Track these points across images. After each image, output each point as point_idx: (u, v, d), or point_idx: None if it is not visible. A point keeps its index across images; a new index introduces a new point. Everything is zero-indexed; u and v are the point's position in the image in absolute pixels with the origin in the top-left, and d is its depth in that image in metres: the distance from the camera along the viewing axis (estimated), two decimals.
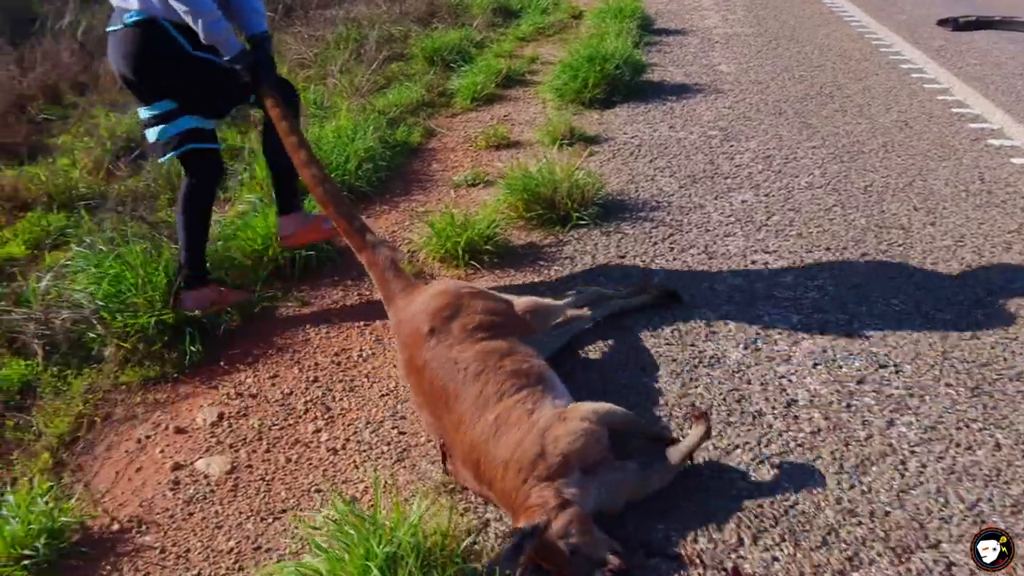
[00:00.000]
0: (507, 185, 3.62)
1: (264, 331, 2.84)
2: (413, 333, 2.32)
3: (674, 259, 3.24)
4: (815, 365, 2.54)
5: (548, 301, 2.62)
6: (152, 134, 2.58)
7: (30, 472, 2.12)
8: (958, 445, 2.17)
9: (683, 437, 2.09)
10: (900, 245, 3.30)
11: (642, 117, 5.10)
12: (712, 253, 3.27)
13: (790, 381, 2.47)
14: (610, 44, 5.60)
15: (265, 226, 3.17)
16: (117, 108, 4.89)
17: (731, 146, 4.52)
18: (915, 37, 7.10)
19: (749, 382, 2.47)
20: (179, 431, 2.33)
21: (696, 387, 2.45)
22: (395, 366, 2.58)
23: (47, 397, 2.41)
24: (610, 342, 2.69)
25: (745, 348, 2.64)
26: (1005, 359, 2.53)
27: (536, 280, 3.13)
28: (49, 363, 2.51)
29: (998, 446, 2.16)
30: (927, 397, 2.37)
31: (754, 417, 2.31)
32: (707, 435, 2.07)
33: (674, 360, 2.58)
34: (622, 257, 3.27)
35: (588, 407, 2.04)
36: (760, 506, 1.97)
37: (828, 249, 3.28)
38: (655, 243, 3.38)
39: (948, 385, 2.42)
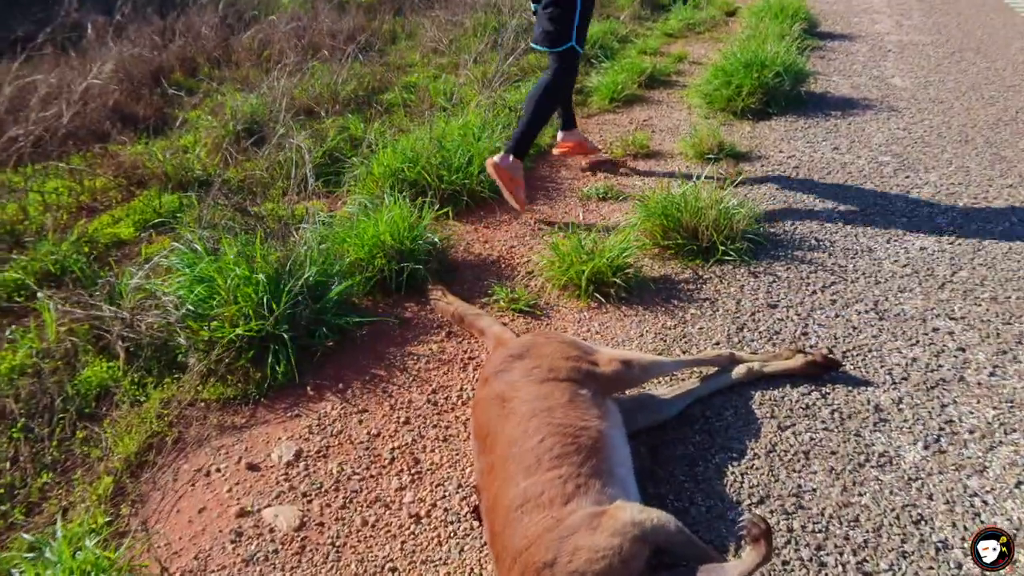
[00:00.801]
0: (644, 208, 3.18)
1: (359, 354, 2.57)
2: (481, 374, 2.09)
3: (835, 315, 2.73)
4: (1019, 484, 2.00)
5: (648, 357, 2.21)
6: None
7: (89, 499, 1.91)
8: None
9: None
10: None
11: (801, 133, 4.53)
12: (883, 312, 2.74)
13: (985, 503, 1.95)
14: (770, 48, 5.02)
15: (375, 232, 2.89)
16: (247, 87, 4.77)
17: (907, 177, 3.90)
18: None
19: (931, 497, 1.97)
20: (251, 467, 2.08)
21: (861, 495, 1.98)
22: None
23: (123, 407, 2.21)
24: (745, 416, 2.24)
25: (925, 447, 2.13)
26: None
27: (668, 323, 2.71)
28: (131, 368, 2.31)
29: None
30: None
31: (938, 549, 1.82)
32: (765, 560, 1.60)
33: (833, 454, 2.11)
34: (773, 306, 2.79)
35: (630, 515, 1.63)
36: None
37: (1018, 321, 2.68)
38: (813, 292, 2.87)
39: None
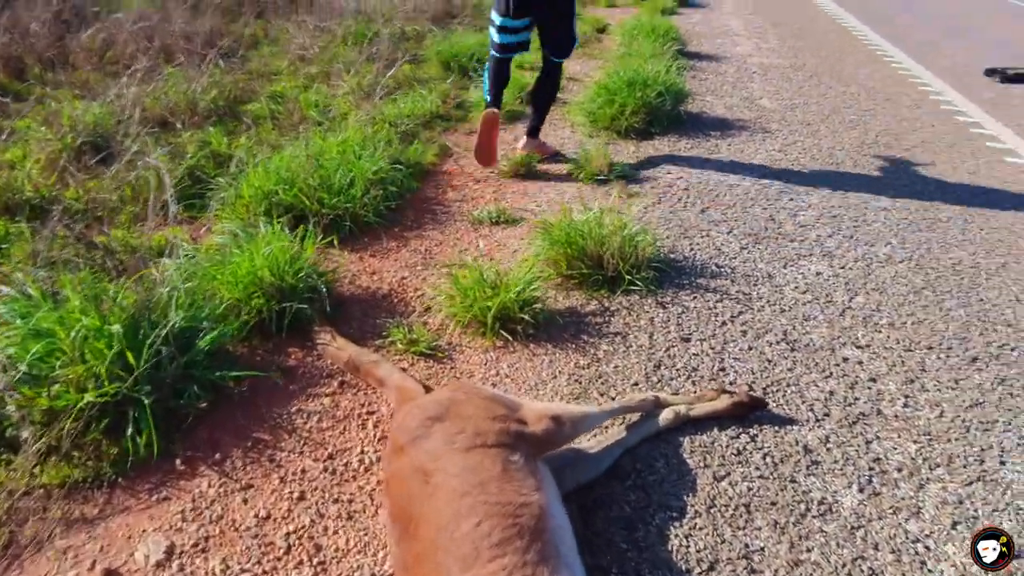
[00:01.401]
0: (547, 236, 2.99)
1: (238, 414, 2.21)
2: (392, 441, 1.84)
3: (748, 348, 2.64)
4: (954, 525, 1.95)
5: (576, 409, 2.03)
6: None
7: None
8: None
9: None
10: (1012, 349, 2.73)
11: (685, 154, 4.52)
12: (794, 343, 2.68)
13: (927, 548, 1.89)
14: (651, 68, 5.00)
15: (251, 267, 2.52)
16: (88, 94, 4.20)
17: (791, 200, 3.94)
18: (963, 85, 6.62)
19: (876, 547, 1.88)
20: (109, 574, 1.68)
21: (809, 550, 1.86)
22: None
23: None
24: (678, 467, 2.09)
25: (860, 490, 2.05)
26: None
27: (580, 362, 2.53)
28: None
29: None
30: None
31: None
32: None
33: (773, 504, 1.99)
34: (686, 340, 2.67)
35: None
36: None
37: (930, 348, 2.71)
38: (723, 323, 2.78)
39: None
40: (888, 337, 2.78)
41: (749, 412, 2.28)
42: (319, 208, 3.22)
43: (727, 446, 2.18)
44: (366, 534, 1.86)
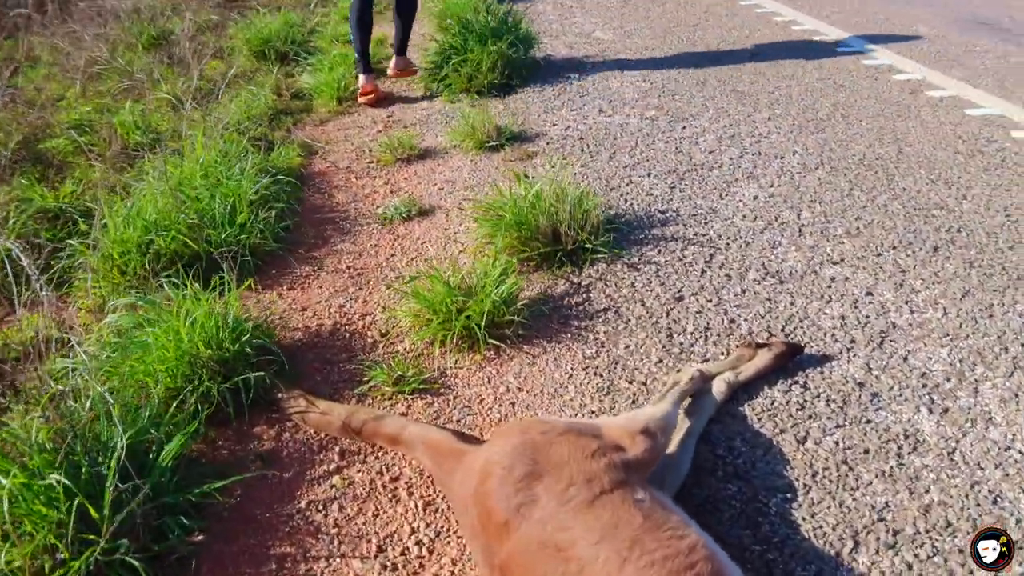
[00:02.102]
0: (494, 222, 2.67)
1: (241, 533, 1.77)
2: (483, 516, 1.49)
3: (742, 291, 2.51)
4: None
5: (651, 412, 1.79)
6: None
7: None
8: None
9: None
10: (959, 230, 2.81)
11: (558, 103, 4.30)
12: (778, 274, 2.58)
13: (1021, 452, 1.84)
14: (481, 14, 4.68)
15: (180, 346, 2.01)
16: None
17: (683, 128, 3.86)
18: None
19: (980, 466, 1.81)
20: None
21: (927, 491, 1.75)
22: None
23: None
24: (756, 440, 1.92)
25: (930, 412, 1.98)
26: None
27: (587, 352, 2.28)
28: None
29: None
30: None
31: None
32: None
33: (867, 453, 1.86)
34: (679, 299, 2.48)
35: None
36: None
37: (895, 248, 2.72)
38: (703, 271, 2.62)
39: None
40: (854, 247, 2.75)
41: (789, 360, 2.14)
42: (206, 248, 2.67)
43: (788, 403, 2.03)
44: None
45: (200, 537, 1.67)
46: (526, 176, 2.96)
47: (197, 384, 1.99)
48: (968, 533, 1.64)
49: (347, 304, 2.60)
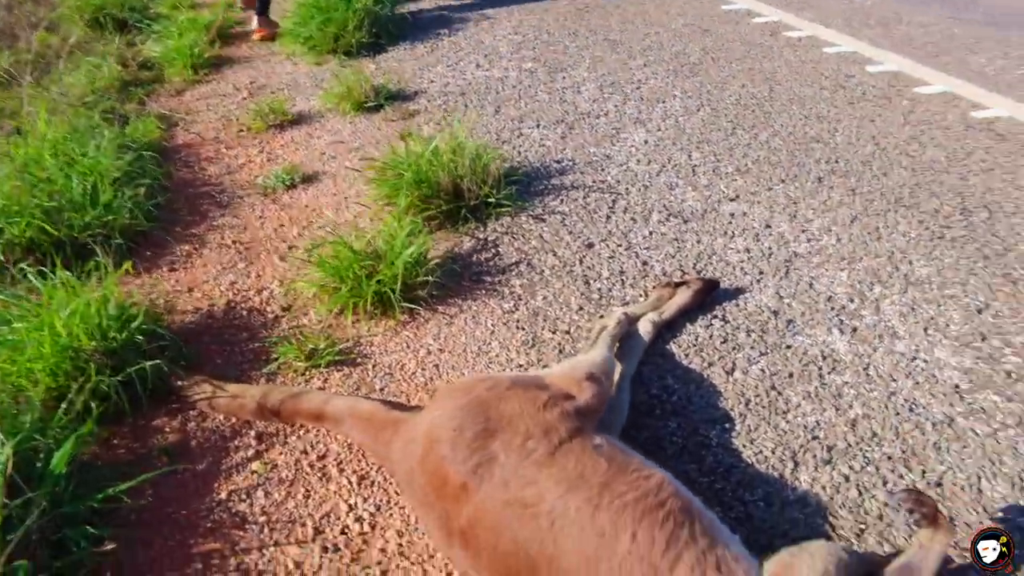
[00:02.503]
0: (392, 183, 2.54)
1: (156, 537, 1.60)
2: (437, 483, 1.41)
3: (649, 233, 2.52)
4: (926, 331, 2.04)
5: (591, 358, 1.76)
6: None
7: None
8: None
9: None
10: (837, 160, 2.95)
11: (432, 59, 4.16)
12: (680, 214, 2.61)
13: (925, 361, 1.97)
14: None
15: (58, 339, 1.79)
16: None
17: (564, 78, 3.83)
18: None
19: (892, 377, 1.91)
20: None
21: (851, 406, 1.82)
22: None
23: None
24: (688, 376, 1.94)
25: (842, 332, 2.07)
26: None
27: (506, 307, 2.23)
28: None
29: None
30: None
31: (939, 422, 1.75)
32: (951, 536, 1.36)
33: (791, 376, 1.91)
34: (590, 246, 2.46)
35: (807, 569, 1.23)
36: None
37: (783, 181, 2.82)
38: (608, 217, 2.61)
39: None
40: (746, 183, 2.82)
41: (708, 296, 2.16)
42: (69, 232, 2.40)
43: (711, 337, 2.06)
44: None
45: (110, 546, 1.49)
46: (409, 135, 2.83)
47: (84, 380, 1.77)
48: (892, 442, 1.72)
49: (239, 280, 2.40)
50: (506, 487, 1.33)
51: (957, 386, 1.87)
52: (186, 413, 1.88)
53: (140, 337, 1.91)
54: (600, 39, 4.37)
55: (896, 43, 4.22)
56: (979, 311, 2.12)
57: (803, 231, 2.50)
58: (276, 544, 1.56)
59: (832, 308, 2.14)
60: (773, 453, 1.70)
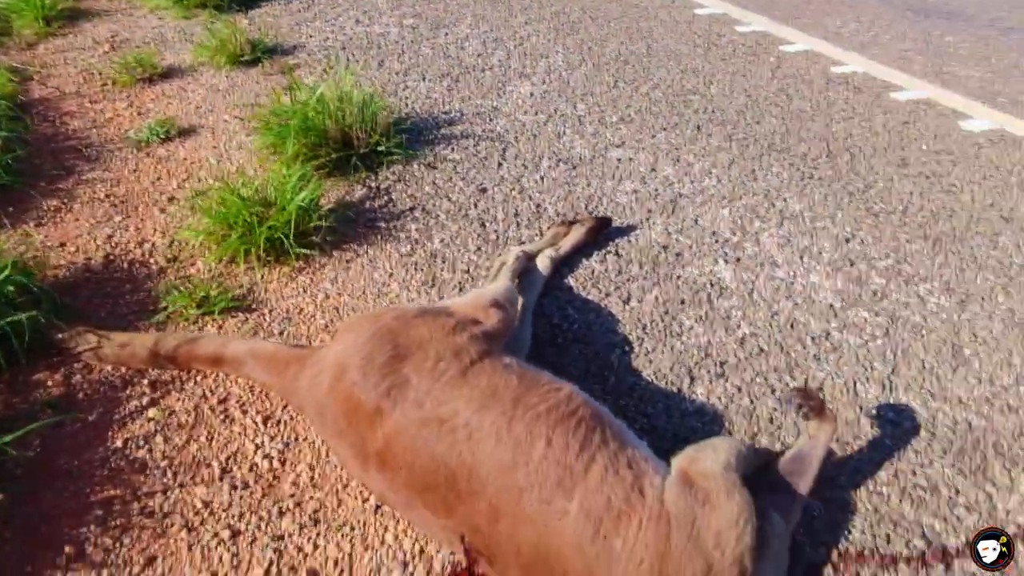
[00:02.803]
0: (276, 130, 2.46)
1: (48, 491, 1.50)
2: (349, 410, 1.41)
3: (540, 178, 2.57)
4: (801, 257, 2.20)
5: (495, 288, 1.80)
6: None
7: None
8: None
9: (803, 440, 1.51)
10: (714, 111, 3.10)
11: (309, 15, 4.04)
12: (569, 160, 2.68)
13: (803, 285, 2.11)
14: None
15: None
16: None
17: (446, 34, 3.82)
18: None
19: (775, 299, 2.04)
20: None
21: (739, 326, 1.94)
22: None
23: None
24: (586, 307, 2.01)
25: (726, 262, 2.19)
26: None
27: (404, 250, 2.22)
28: None
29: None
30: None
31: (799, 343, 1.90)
32: (836, 428, 1.51)
33: (683, 303, 2.01)
34: (483, 191, 2.49)
35: (711, 465, 1.31)
36: None
37: (665, 129, 2.94)
38: (500, 163, 2.64)
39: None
40: (630, 131, 2.92)
41: (601, 233, 2.23)
42: None
43: (607, 271, 2.13)
44: (356, 529, 1.43)
45: None
46: (294, 87, 2.74)
47: None
48: (777, 355, 1.84)
49: (116, 234, 2.27)
50: (420, 407, 1.34)
51: (831, 305, 2.02)
52: (70, 366, 1.77)
53: (10, 288, 1.77)
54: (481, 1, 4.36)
55: (761, 6, 4.45)
56: (847, 240, 2.29)
57: (686, 174, 2.61)
58: (181, 486, 1.51)
59: (717, 241, 2.26)
60: (671, 371, 1.79)
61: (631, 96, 3.18)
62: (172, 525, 1.43)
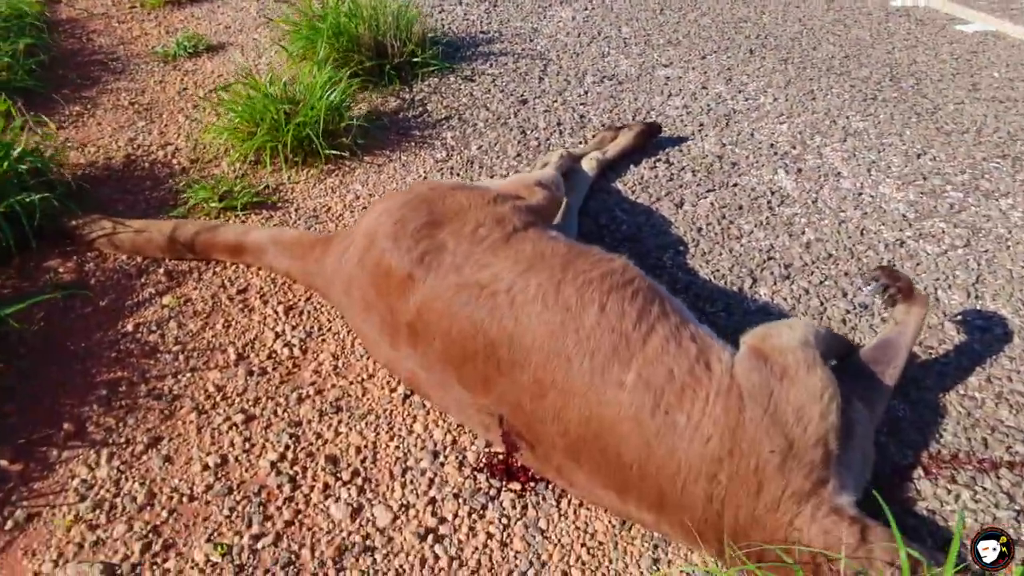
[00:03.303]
0: (305, 35, 2.33)
1: (53, 365, 1.39)
2: (378, 280, 1.27)
3: (584, 92, 2.41)
4: (868, 170, 2.02)
5: (543, 172, 1.65)
6: None
7: None
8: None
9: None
10: (767, 37, 2.90)
11: None
12: (614, 77, 2.51)
13: (871, 196, 1.94)
14: None
15: None
16: None
17: None
18: None
19: (841, 208, 1.86)
20: None
21: (803, 232, 1.77)
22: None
23: None
24: (635, 209, 1.85)
25: (787, 172, 2.02)
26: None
27: (439, 156, 2.08)
28: None
29: None
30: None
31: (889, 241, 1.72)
32: (926, 308, 1.32)
33: (741, 208, 1.85)
34: (524, 102, 2.33)
35: (788, 336, 1.14)
36: None
37: (715, 52, 2.77)
38: (540, 79, 2.49)
39: None
40: (679, 53, 2.74)
41: (649, 140, 2.07)
42: None
43: (657, 177, 1.97)
44: (382, 418, 1.30)
45: None
46: None
47: None
48: (847, 260, 1.67)
49: (139, 137, 2.16)
50: (458, 271, 1.20)
51: (904, 215, 1.84)
52: (83, 255, 1.66)
53: (23, 168, 1.66)
54: None
55: None
56: (918, 156, 2.11)
57: (740, 92, 2.44)
58: (193, 370, 1.38)
59: (775, 154, 2.09)
60: (731, 271, 1.63)
61: (678, 22, 3.00)
62: (181, 408, 1.31)
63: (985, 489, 1.17)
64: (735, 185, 1.93)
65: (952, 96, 2.48)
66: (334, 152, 1.99)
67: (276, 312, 1.52)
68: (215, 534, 1.11)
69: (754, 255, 1.68)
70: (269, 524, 1.13)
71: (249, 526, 1.12)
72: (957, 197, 1.93)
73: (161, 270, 1.63)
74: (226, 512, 1.14)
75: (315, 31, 2.31)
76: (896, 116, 2.32)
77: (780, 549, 0.95)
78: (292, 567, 1.07)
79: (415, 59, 2.40)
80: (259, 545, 1.10)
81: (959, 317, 1.52)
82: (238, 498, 1.16)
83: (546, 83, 2.44)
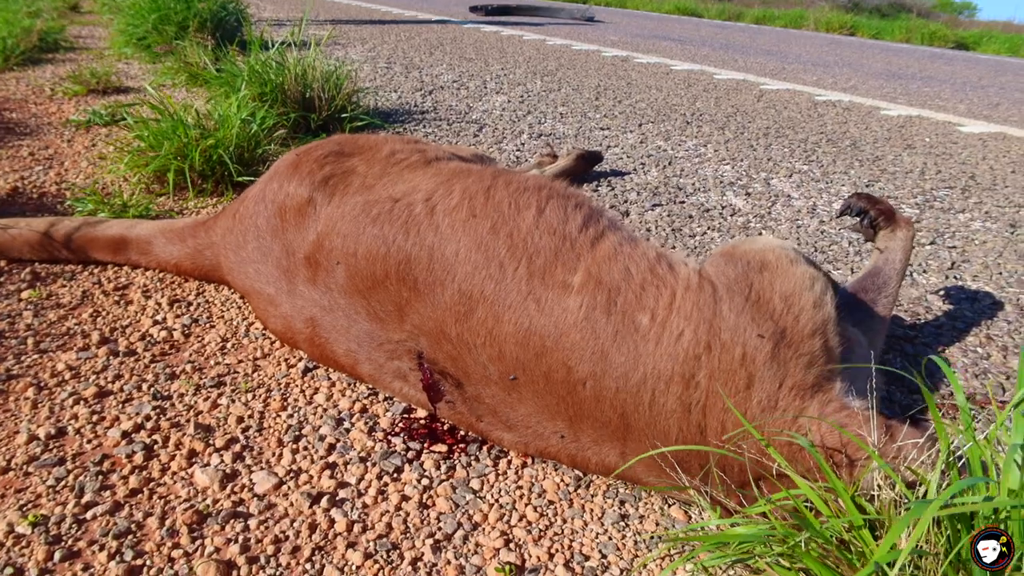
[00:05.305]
0: (221, 77, 2.22)
1: None
2: (272, 216, 1.08)
3: (522, 144, 2.33)
4: (819, 206, 1.93)
5: (473, 150, 1.49)
6: None
7: None
8: None
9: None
10: (701, 115, 2.93)
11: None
12: (552, 134, 2.45)
13: (826, 211, 1.81)
14: None
15: None
16: None
17: (421, 71, 3.70)
18: (458, 15, 7.17)
19: (798, 219, 1.74)
20: None
21: (764, 233, 1.63)
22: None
23: None
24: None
25: (735, 194, 1.90)
26: None
27: None
28: None
29: None
30: None
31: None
32: (913, 231, 1.19)
33: (690, 218, 1.71)
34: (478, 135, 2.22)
35: (767, 239, 0.98)
36: None
37: (652, 122, 2.75)
38: (476, 135, 2.42)
39: None
40: (615, 123, 2.74)
41: (589, 167, 1.96)
42: None
43: (600, 195, 1.84)
44: (275, 391, 1.04)
45: None
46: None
47: None
48: (812, 255, 1.53)
49: (33, 176, 1.96)
50: (369, 190, 1.00)
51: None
52: None
53: None
54: (456, 56, 4.32)
55: (730, 64, 4.44)
56: (867, 186, 2.04)
57: (680, 146, 2.40)
58: (42, 352, 1.11)
59: (721, 183, 2.00)
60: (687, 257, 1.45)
61: (613, 106, 3.02)
62: (17, 386, 1.03)
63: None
64: (683, 202, 1.81)
65: (890, 151, 2.48)
66: (249, 179, 1.81)
67: (159, 304, 1.28)
68: (30, 505, 0.81)
69: (711, 248, 1.52)
70: (107, 493, 0.84)
71: (81, 496, 0.83)
72: (913, 213, 1.83)
73: (27, 270, 1.38)
74: (51, 483, 0.85)
75: (238, 75, 2.20)
76: (839, 162, 2.28)
77: (783, 439, 0.71)
78: (130, 536, 0.77)
79: (343, 115, 2.30)
80: (88, 515, 0.80)
81: (941, 292, 1.35)
82: (70, 467, 0.87)
83: (481, 138, 2.36)
